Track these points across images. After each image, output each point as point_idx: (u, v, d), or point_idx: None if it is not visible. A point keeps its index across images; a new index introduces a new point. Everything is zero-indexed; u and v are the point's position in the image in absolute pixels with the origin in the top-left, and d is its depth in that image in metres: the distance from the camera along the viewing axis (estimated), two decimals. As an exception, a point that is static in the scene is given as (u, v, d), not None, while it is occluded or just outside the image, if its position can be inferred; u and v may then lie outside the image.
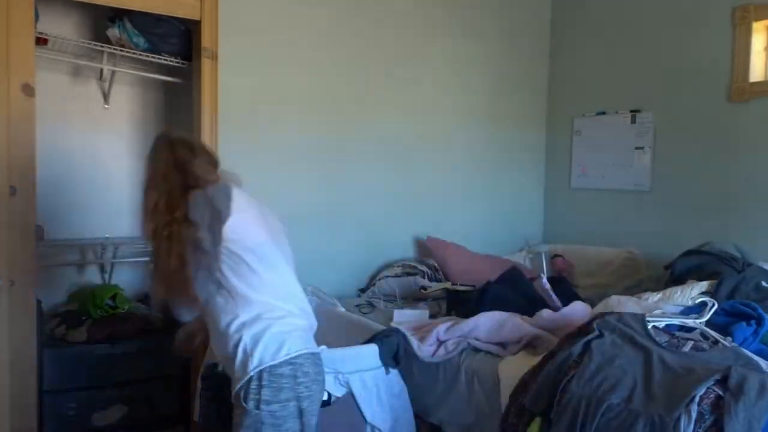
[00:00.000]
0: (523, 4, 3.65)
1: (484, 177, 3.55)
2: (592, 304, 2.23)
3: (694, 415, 1.37)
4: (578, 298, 2.42)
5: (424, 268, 3.03)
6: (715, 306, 1.79)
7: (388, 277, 2.98)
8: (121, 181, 2.74)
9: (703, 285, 2.19)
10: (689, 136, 3.03)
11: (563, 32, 3.70)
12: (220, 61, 2.54)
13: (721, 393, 1.40)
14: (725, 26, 2.87)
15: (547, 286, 2.48)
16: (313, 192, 2.92)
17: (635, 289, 2.57)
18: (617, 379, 1.52)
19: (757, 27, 2.80)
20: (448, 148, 3.38)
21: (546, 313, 2.14)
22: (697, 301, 1.90)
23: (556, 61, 3.75)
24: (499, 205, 3.62)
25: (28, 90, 2.13)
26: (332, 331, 2.48)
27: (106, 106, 2.71)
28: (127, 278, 2.77)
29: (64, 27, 2.56)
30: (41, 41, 2.34)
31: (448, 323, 2.22)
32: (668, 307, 1.99)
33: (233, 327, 1.55)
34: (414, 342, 2.15)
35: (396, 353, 2.07)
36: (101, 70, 2.59)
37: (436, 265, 3.10)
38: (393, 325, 2.31)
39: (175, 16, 2.46)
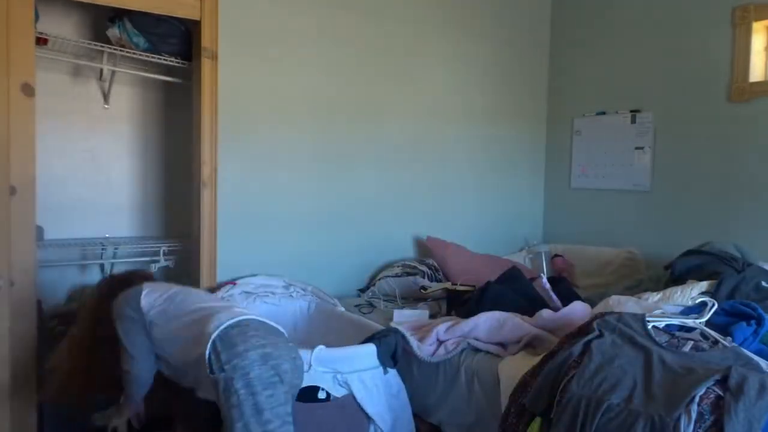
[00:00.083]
0: (523, 4, 3.65)
1: (484, 177, 3.55)
2: (592, 304, 2.23)
3: (694, 415, 1.36)
4: (578, 298, 2.41)
5: (424, 268, 3.03)
6: (715, 306, 1.78)
7: (388, 277, 2.98)
8: (121, 181, 2.75)
9: (703, 285, 2.19)
10: (689, 136, 3.03)
11: (563, 32, 3.71)
12: (220, 61, 2.55)
13: (721, 393, 1.40)
14: (725, 26, 2.87)
15: (547, 286, 2.48)
16: (312, 191, 2.93)
17: (635, 289, 2.57)
18: (617, 379, 1.52)
19: (757, 27, 2.81)
20: (448, 148, 3.39)
21: (546, 313, 2.14)
22: (697, 301, 1.90)
23: (556, 61, 3.75)
24: (499, 205, 3.63)
25: (28, 90, 2.13)
26: (332, 331, 2.48)
27: (106, 106, 2.70)
28: (127, 278, 2.77)
29: (64, 27, 2.57)
30: (41, 41, 2.34)
31: (448, 323, 2.21)
32: (668, 307, 1.99)
33: None
34: (414, 342, 2.15)
35: (394, 353, 2.07)
36: (101, 70, 2.59)
37: (436, 265, 3.11)
38: (393, 325, 2.30)
39: (175, 16, 2.47)
